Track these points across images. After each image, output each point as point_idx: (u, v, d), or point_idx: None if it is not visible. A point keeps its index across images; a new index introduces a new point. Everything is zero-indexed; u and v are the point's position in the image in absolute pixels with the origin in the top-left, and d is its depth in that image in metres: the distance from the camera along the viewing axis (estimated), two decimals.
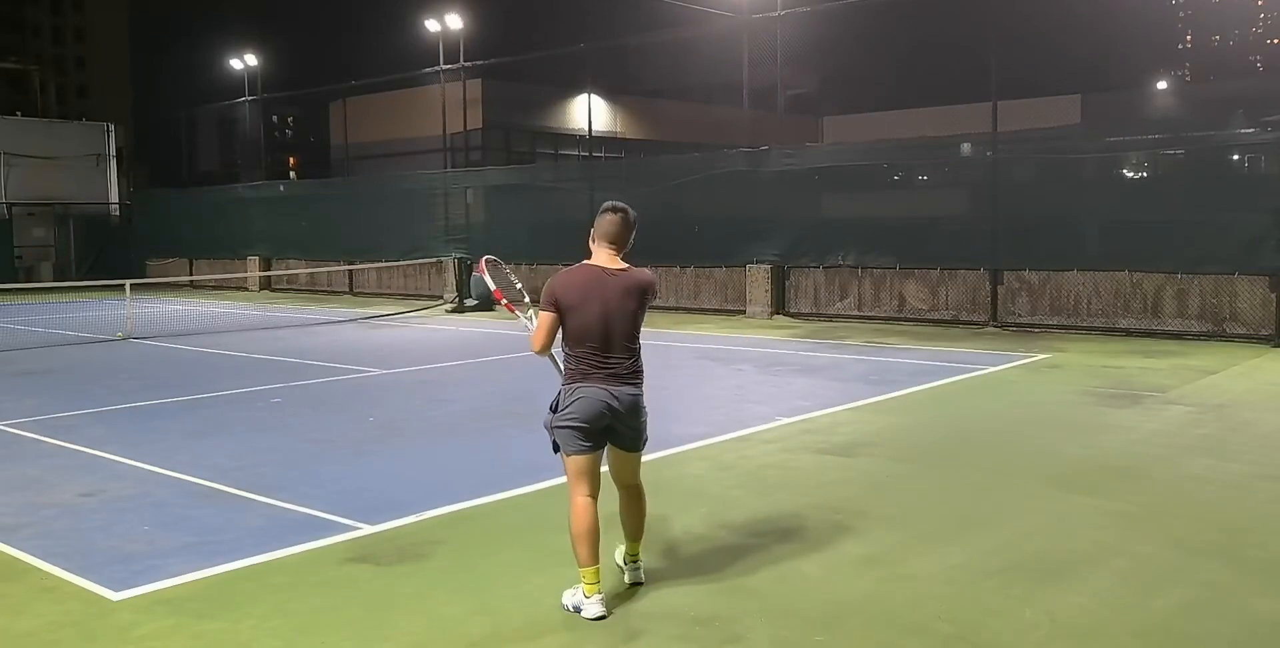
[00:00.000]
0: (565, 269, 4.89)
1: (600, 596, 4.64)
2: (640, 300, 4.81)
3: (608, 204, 4.97)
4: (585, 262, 4.86)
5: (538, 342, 4.80)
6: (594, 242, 4.91)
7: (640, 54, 37.10)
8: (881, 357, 13.50)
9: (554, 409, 4.80)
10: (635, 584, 5.00)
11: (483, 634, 4.45)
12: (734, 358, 13.46)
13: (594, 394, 4.70)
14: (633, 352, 4.81)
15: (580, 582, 4.68)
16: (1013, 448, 8.09)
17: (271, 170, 44.04)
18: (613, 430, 4.79)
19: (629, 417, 4.77)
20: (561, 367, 4.88)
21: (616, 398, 4.71)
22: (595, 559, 4.66)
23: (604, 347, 4.72)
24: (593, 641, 4.38)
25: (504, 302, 5.52)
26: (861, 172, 19.63)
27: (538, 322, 4.82)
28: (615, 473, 4.98)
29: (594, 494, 4.76)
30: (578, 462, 4.74)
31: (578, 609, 4.65)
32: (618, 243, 4.86)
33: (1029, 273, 16.44)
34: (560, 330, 4.78)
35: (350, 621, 4.62)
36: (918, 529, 5.90)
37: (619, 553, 5.12)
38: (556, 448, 4.81)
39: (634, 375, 4.81)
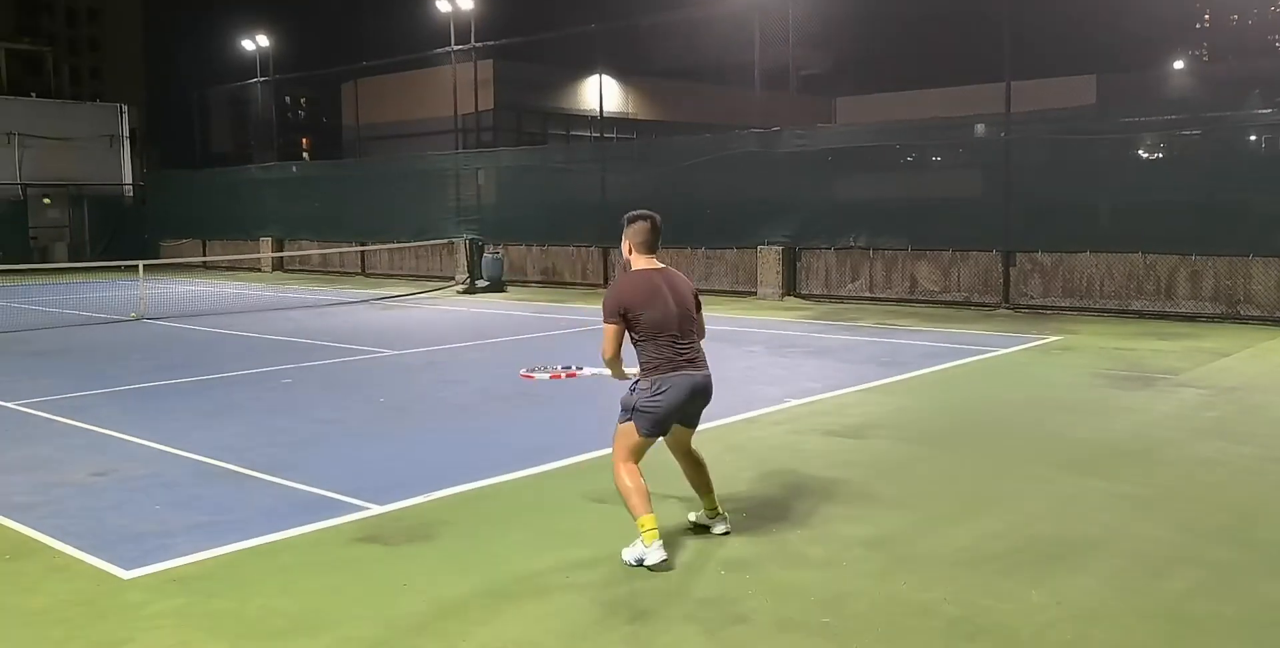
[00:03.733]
0: (616, 282, 5.33)
1: (660, 542, 4.98)
2: (695, 296, 5.34)
3: (634, 213, 5.33)
4: (633, 270, 5.30)
5: (609, 350, 5.20)
6: (630, 251, 5.33)
7: (652, 34, 36.93)
8: (892, 339, 13.47)
9: (632, 390, 5.20)
10: (726, 533, 5.42)
11: (489, 615, 4.47)
12: (745, 339, 13.45)
13: (683, 382, 5.15)
14: (695, 337, 5.30)
15: (639, 536, 5.01)
16: (1023, 430, 8.07)
17: (284, 151, 44.08)
18: (685, 414, 5.27)
19: (703, 399, 5.30)
20: (628, 373, 5.33)
21: (700, 382, 5.22)
22: (650, 508, 5.07)
23: (681, 334, 5.19)
24: (600, 620, 4.39)
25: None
26: (874, 153, 19.53)
27: (605, 334, 5.18)
28: (674, 445, 5.42)
29: (639, 462, 5.23)
30: (644, 442, 5.20)
31: (641, 561, 4.98)
32: (653, 246, 5.32)
33: (1041, 254, 16.36)
34: (628, 333, 5.19)
35: (358, 600, 4.65)
36: (926, 511, 5.89)
37: (695, 515, 5.55)
38: (625, 421, 5.21)
39: (704, 359, 5.33)
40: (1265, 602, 4.55)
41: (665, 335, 5.14)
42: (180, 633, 4.30)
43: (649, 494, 5.11)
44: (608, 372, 5.40)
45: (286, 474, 6.78)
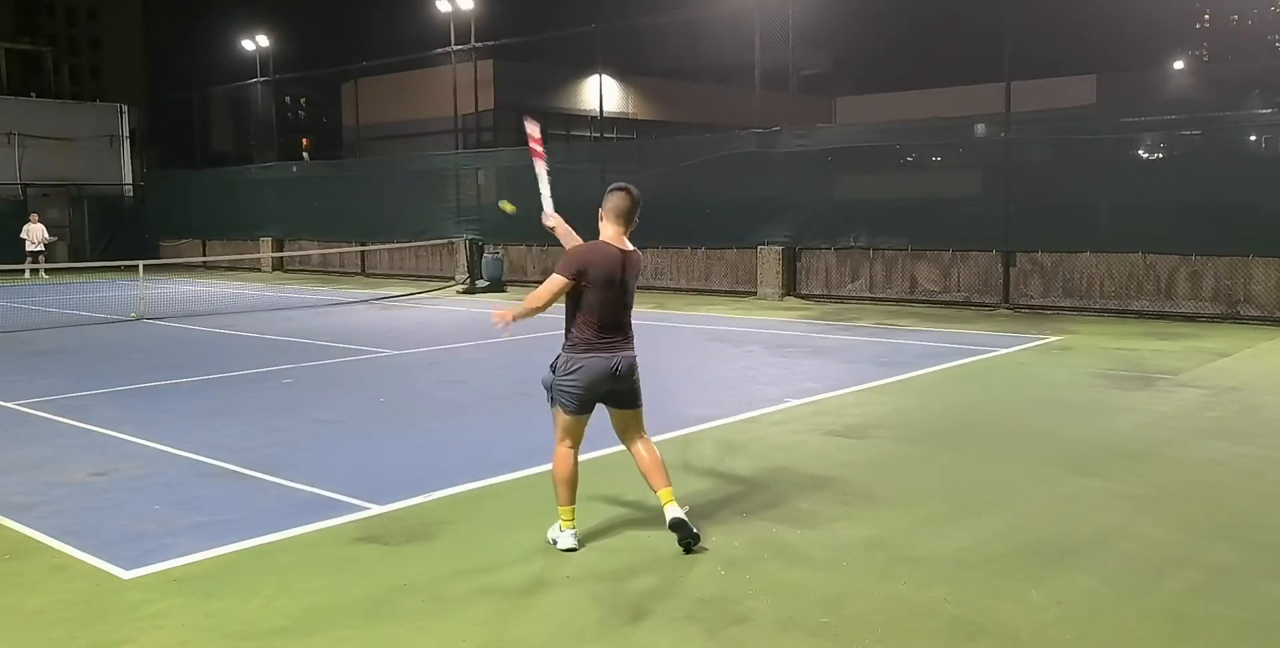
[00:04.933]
0: (586, 244, 5.24)
1: (573, 531, 5.25)
2: (637, 279, 5.36)
3: (617, 184, 5.35)
4: (602, 239, 5.23)
5: (542, 301, 5.07)
6: (604, 220, 5.26)
7: (652, 34, 36.94)
8: (892, 339, 13.47)
9: (554, 369, 5.25)
10: (686, 511, 5.28)
11: (489, 615, 4.47)
12: (744, 339, 13.45)
13: (598, 365, 5.15)
14: (629, 320, 5.32)
15: (559, 519, 5.28)
16: (1023, 430, 8.07)
17: (284, 151, 44.03)
18: (612, 393, 5.27)
19: (626, 378, 5.26)
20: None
21: (617, 364, 5.19)
22: (572, 500, 5.28)
23: (614, 319, 5.19)
24: (600, 620, 4.39)
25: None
26: (874, 153, 19.51)
27: (551, 285, 5.06)
28: (621, 431, 5.43)
29: (576, 446, 5.33)
30: (571, 420, 5.26)
31: (555, 542, 5.26)
32: (627, 221, 5.26)
33: (1041, 255, 16.36)
34: (574, 298, 5.15)
35: (357, 600, 4.64)
36: (925, 511, 5.89)
37: (669, 518, 5.24)
38: (553, 401, 5.30)
39: (629, 340, 5.31)
40: (1265, 602, 4.54)
41: (595, 319, 5.13)
42: (180, 633, 4.30)
43: (575, 483, 5.27)
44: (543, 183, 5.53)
45: (286, 474, 6.78)
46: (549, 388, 5.29)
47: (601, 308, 5.14)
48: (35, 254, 27.57)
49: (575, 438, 5.31)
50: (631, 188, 5.31)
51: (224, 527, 5.68)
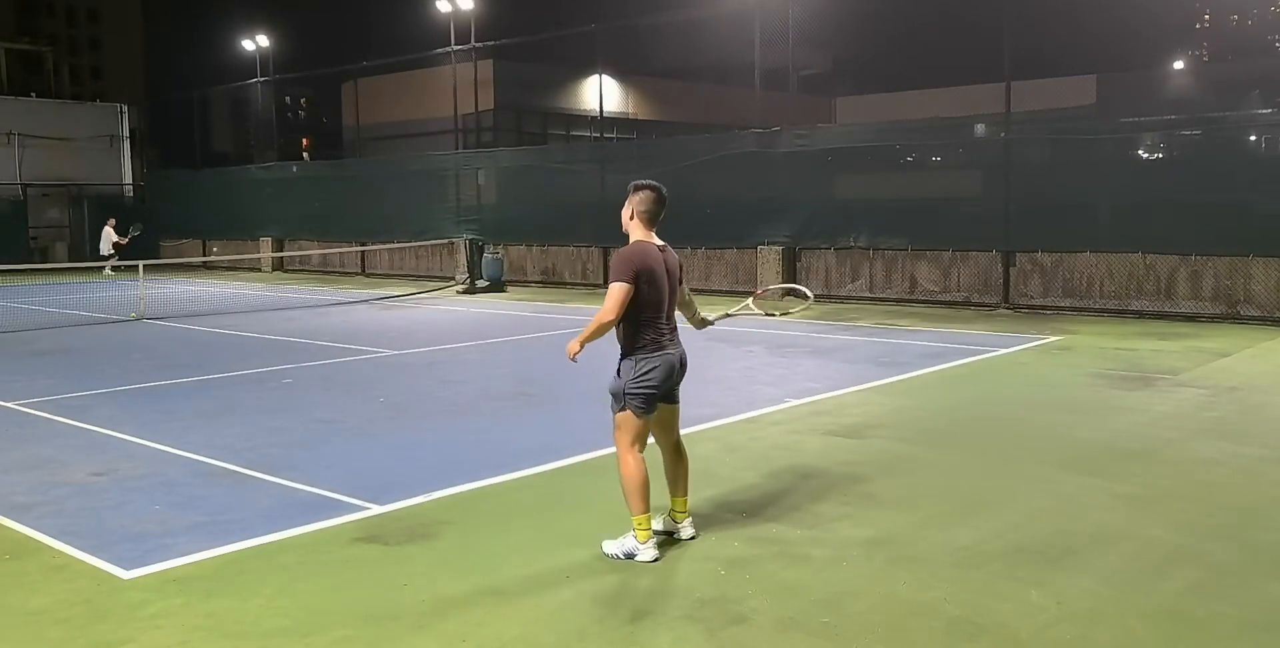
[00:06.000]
0: (631, 246, 5.21)
1: (655, 540, 5.12)
2: (681, 276, 5.42)
3: (644, 183, 5.33)
4: (641, 239, 5.25)
5: (614, 314, 5.03)
6: (633, 217, 5.27)
7: (652, 34, 36.87)
8: (892, 339, 13.47)
9: (621, 375, 5.16)
10: (693, 537, 5.38)
11: (489, 615, 4.47)
12: (744, 339, 13.44)
13: (670, 360, 5.21)
14: (674, 318, 5.38)
15: (634, 530, 5.10)
16: (1022, 430, 8.07)
17: (284, 151, 44.01)
18: (672, 388, 5.29)
19: (684, 370, 5.34)
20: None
21: (680, 357, 5.27)
22: (649, 507, 5.12)
23: (667, 315, 5.25)
24: (600, 620, 4.39)
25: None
26: (874, 153, 19.50)
27: (616, 294, 5.03)
28: (668, 430, 5.43)
29: (643, 450, 5.22)
30: (643, 423, 5.18)
31: (630, 556, 5.06)
32: (656, 218, 5.32)
33: (1041, 255, 16.36)
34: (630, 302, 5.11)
35: (357, 600, 4.64)
36: (925, 511, 5.89)
37: (662, 520, 5.41)
38: (620, 409, 5.17)
39: (677, 334, 5.36)
40: (1265, 602, 4.54)
41: (654, 316, 5.16)
42: (180, 633, 4.30)
43: (649, 488, 5.13)
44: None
45: (286, 474, 6.79)
46: (621, 395, 5.15)
47: (659, 306, 5.17)
48: (109, 255, 28.05)
49: (643, 441, 5.22)
50: (661, 187, 5.32)
51: (224, 527, 5.69)
